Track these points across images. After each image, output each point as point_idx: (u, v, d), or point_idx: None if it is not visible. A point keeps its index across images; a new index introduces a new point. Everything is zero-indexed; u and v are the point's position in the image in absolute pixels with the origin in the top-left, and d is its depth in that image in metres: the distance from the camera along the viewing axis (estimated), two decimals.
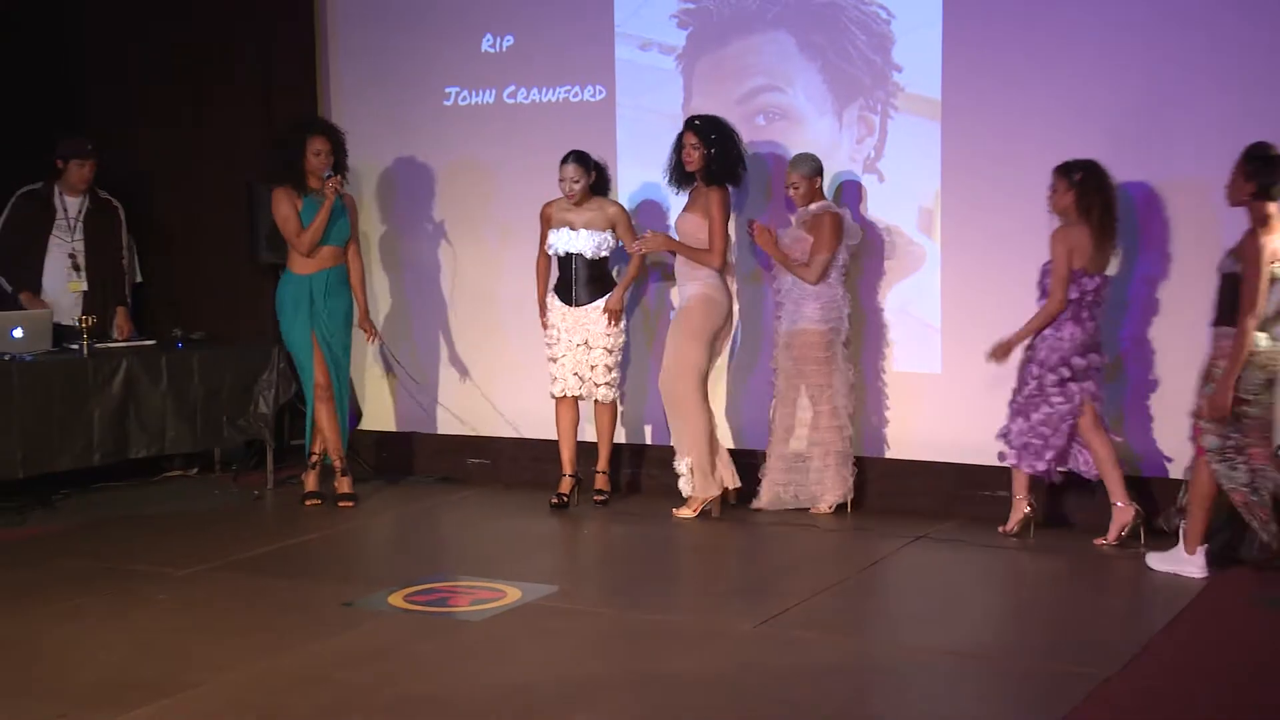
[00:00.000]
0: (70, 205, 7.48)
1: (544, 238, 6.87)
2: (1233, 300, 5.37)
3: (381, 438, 7.93)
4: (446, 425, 7.80)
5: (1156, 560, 5.61)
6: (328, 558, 6.18)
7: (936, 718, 4.06)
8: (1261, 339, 5.38)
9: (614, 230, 6.78)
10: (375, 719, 4.09)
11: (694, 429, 6.58)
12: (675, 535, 6.46)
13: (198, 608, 5.24)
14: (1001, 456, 6.20)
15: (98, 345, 7.15)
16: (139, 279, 8.15)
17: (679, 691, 4.32)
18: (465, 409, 7.73)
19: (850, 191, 6.76)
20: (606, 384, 6.84)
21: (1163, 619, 4.96)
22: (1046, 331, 6.01)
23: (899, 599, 5.56)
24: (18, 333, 6.87)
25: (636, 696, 4.26)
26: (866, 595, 5.53)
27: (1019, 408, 6.11)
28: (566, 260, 6.81)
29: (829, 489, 6.57)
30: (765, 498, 6.65)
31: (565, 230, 6.77)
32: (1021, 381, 6.12)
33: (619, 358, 6.88)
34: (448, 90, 7.64)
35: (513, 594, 5.39)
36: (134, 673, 4.49)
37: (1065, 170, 5.96)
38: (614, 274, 6.91)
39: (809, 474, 6.60)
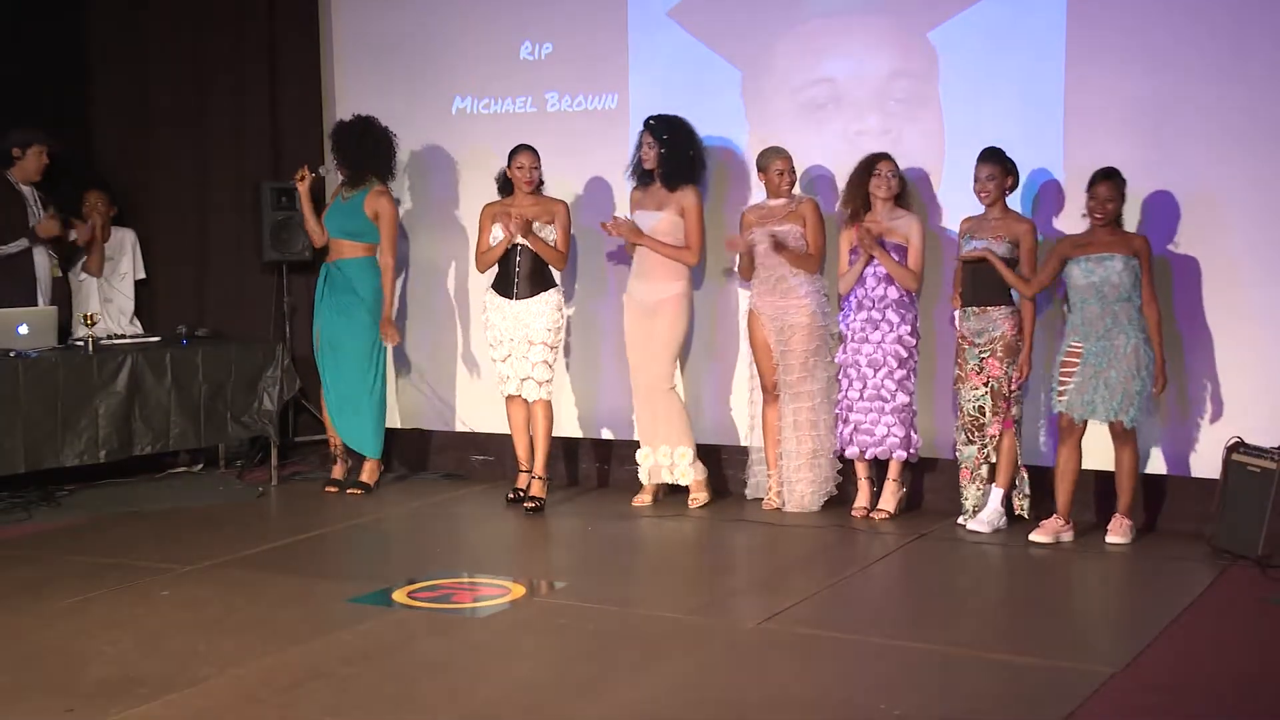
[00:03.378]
0: (26, 193, 7.40)
1: (484, 233, 6.83)
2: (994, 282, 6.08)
3: (387, 434, 7.93)
4: (451, 422, 7.82)
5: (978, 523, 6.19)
6: (332, 554, 6.19)
7: (939, 716, 4.06)
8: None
9: (554, 224, 6.77)
10: (379, 715, 4.09)
11: (686, 420, 6.76)
12: (676, 532, 6.47)
13: (202, 604, 5.25)
14: (891, 449, 6.41)
15: (103, 342, 7.18)
16: (141, 275, 8.18)
17: (681, 688, 4.32)
18: (470, 406, 7.74)
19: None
20: (540, 381, 6.80)
21: (1167, 617, 4.96)
22: (910, 318, 6.38)
23: (901, 596, 5.56)
24: (23, 329, 6.89)
25: (639, 693, 4.26)
26: (868, 593, 5.52)
27: (897, 402, 6.36)
28: (510, 252, 6.77)
29: (814, 486, 6.58)
30: (782, 497, 6.65)
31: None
32: (891, 371, 6.34)
33: (556, 355, 6.88)
34: (451, 94, 7.65)
35: (516, 590, 5.40)
36: (140, 668, 4.49)
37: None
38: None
39: (798, 471, 6.59)
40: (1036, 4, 6.36)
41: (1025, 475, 6.26)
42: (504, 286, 6.82)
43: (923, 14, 6.61)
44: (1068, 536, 5.98)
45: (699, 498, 6.78)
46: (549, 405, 6.86)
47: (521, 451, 6.97)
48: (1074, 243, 5.97)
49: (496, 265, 6.83)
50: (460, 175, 7.69)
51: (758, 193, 6.84)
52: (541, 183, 6.87)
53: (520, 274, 6.76)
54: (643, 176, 6.78)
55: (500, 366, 6.90)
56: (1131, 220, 6.07)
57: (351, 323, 7.10)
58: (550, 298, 6.80)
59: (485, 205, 6.88)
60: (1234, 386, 6.10)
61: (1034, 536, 5.98)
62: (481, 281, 7.46)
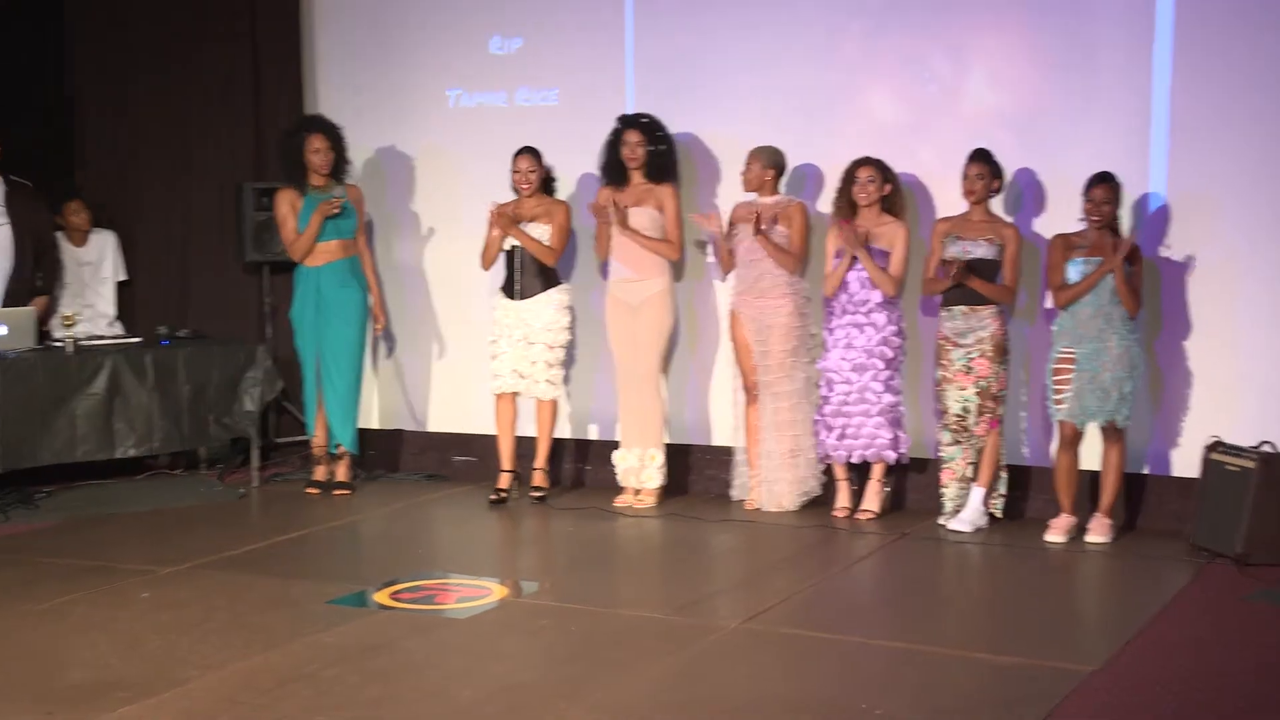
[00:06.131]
0: None
1: (490, 231, 6.85)
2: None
3: (368, 435, 7.92)
4: (432, 422, 7.80)
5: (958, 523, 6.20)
6: (313, 555, 6.17)
7: (921, 714, 4.07)
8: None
9: (550, 223, 6.79)
10: (361, 717, 4.09)
11: (661, 423, 6.81)
12: (659, 533, 6.47)
13: (182, 606, 5.23)
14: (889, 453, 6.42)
15: (83, 342, 7.14)
16: (123, 276, 8.14)
17: (664, 689, 4.32)
18: (451, 405, 7.73)
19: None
20: (548, 381, 6.85)
21: (1146, 615, 4.99)
22: (895, 317, 6.38)
23: (883, 596, 5.57)
24: (2, 330, 6.85)
25: (622, 694, 4.27)
26: (851, 592, 5.54)
27: (884, 403, 6.37)
28: (512, 253, 6.82)
29: (793, 485, 6.59)
30: (762, 497, 6.66)
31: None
32: (878, 373, 6.35)
33: (561, 354, 6.90)
34: (435, 89, 7.65)
35: (499, 591, 5.40)
36: (120, 671, 4.48)
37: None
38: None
39: (777, 471, 6.59)
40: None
41: (1004, 475, 6.28)
42: (507, 287, 6.86)
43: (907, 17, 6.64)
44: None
45: (645, 500, 6.79)
46: (553, 404, 6.92)
47: (505, 450, 6.97)
48: (1070, 243, 5.98)
49: (503, 263, 6.87)
50: (438, 171, 7.67)
51: (729, 191, 6.87)
52: (553, 180, 6.94)
53: (520, 274, 6.79)
54: (617, 174, 6.78)
55: (493, 364, 6.92)
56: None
57: (353, 318, 7.15)
58: (552, 297, 6.83)
59: (498, 206, 6.87)
60: (1213, 386, 6.13)
61: (1049, 537, 5.99)
62: (459, 278, 7.48)
